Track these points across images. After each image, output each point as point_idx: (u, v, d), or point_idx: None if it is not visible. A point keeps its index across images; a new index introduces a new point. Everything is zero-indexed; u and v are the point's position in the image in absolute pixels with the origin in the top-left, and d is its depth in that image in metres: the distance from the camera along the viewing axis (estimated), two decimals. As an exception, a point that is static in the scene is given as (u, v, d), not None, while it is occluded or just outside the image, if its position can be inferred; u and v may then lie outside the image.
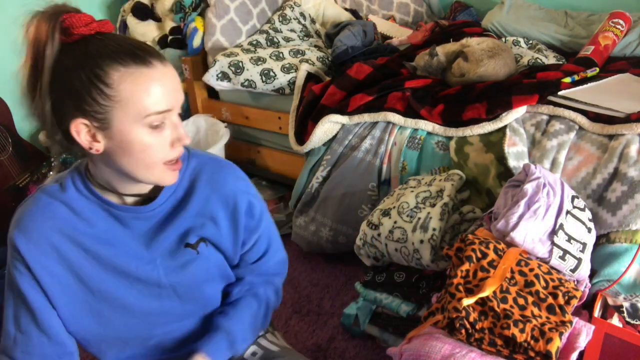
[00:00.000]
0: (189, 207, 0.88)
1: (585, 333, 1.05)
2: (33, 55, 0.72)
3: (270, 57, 2.16)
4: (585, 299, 1.17)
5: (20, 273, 0.81)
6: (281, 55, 2.18)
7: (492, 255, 1.10)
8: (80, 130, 0.74)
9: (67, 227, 0.82)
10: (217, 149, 2.10)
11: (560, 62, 1.90)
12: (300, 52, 2.21)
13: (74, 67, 0.72)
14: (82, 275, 0.84)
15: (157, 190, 0.87)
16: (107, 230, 0.84)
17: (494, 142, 1.54)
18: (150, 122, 0.74)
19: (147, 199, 0.87)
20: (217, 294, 0.99)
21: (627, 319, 1.30)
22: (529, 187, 1.17)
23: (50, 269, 0.82)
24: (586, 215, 1.24)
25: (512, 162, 1.46)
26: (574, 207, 1.22)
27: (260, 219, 0.95)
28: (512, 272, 1.08)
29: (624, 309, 1.30)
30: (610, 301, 1.31)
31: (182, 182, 0.88)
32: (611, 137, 1.42)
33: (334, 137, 1.84)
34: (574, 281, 1.17)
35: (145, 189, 0.86)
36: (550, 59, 1.92)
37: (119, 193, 0.84)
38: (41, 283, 0.82)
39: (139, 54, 0.73)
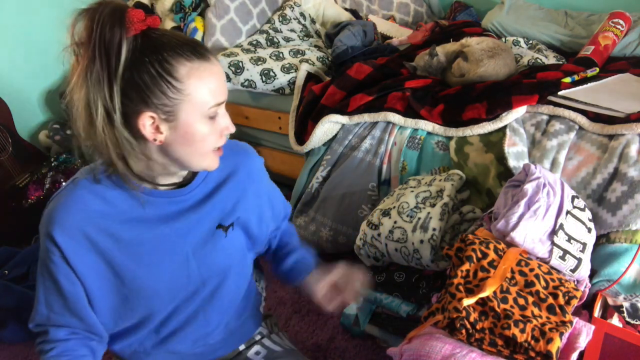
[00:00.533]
0: (223, 190, 0.93)
1: (585, 333, 1.05)
2: (100, 53, 0.70)
3: (270, 57, 2.16)
4: (585, 299, 1.17)
5: (56, 265, 0.83)
6: (281, 55, 2.18)
7: (492, 255, 1.10)
8: (146, 123, 0.76)
9: (100, 218, 0.84)
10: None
11: (560, 62, 1.90)
12: (300, 52, 2.21)
13: (141, 61, 0.72)
14: (114, 264, 0.86)
15: (188, 178, 0.91)
16: (140, 219, 0.86)
17: (494, 142, 1.54)
18: (210, 113, 0.78)
19: (178, 186, 0.90)
20: (234, 285, 1.02)
21: (627, 319, 1.30)
22: (529, 187, 1.17)
23: (85, 259, 0.84)
24: (586, 215, 1.24)
25: (512, 162, 1.46)
26: (574, 207, 1.22)
27: (270, 183, 1.08)
28: (513, 272, 1.08)
29: (624, 309, 1.30)
30: (610, 301, 1.31)
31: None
32: (611, 137, 1.42)
33: (334, 137, 1.84)
34: (574, 281, 1.17)
35: (180, 177, 0.90)
36: (550, 59, 1.92)
37: (154, 183, 0.86)
38: (77, 272, 0.84)
39: (199, 50, 0.76)
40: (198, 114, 0.77)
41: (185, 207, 0.90)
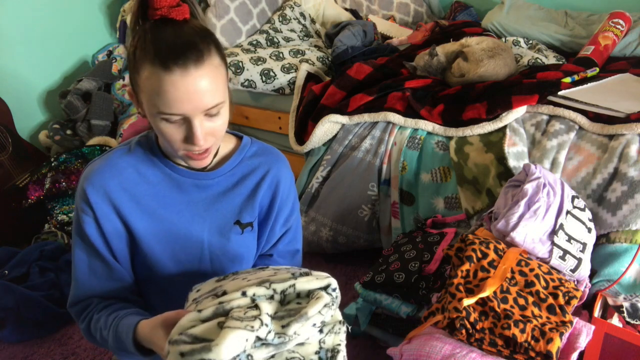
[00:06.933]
0: (246, 186, 0.95)
1: (585, 333, 1.05)
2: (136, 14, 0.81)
3: (270, 57, 2.16)
4: (585, 299, 1.17)
5: (88, 225, 0.88)
6: (281, 55, 2.18)
7: (492, 255, 1.10)
8: (130, 92, 0.85)
9: (129, 184, 0.89)
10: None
11: (560, 62, 1.90)
12: (300, 52, 2.21)
13: (136, 44, 0.79)
14: (135, 234, 0.90)
15: (219, 163, 0.94)
16: (166, 194, 0.91)
17: (494, 142, 1.54)
18: (162, 116, 0.79)
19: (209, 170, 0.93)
20: None
21: (627, 319, 1.30)
22: (529, 187, 1.17)
23: (110, 219, 0.89)
24: (586, 215, 1.24)
25: (512, 162, 1.46)
26: (574, 207, 1.22)
27: (292, 201, 1.02)
28: (513, 272, 1.08)
29: (624, 309, 1.30)
30: (610, 301, 1.31)
31: (243, 163, 0.96)
32: (611, 137, 1.42)
33: (334, 137, 1.84)
34: (574, 281, 1.17)
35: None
36: (550, 59, 1.92)
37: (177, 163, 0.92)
38: (104, 231, 0.88)
39: (169, 61, 0.75)
40: (149, 111, 0.80)
41: (209, 195, 0.93)
